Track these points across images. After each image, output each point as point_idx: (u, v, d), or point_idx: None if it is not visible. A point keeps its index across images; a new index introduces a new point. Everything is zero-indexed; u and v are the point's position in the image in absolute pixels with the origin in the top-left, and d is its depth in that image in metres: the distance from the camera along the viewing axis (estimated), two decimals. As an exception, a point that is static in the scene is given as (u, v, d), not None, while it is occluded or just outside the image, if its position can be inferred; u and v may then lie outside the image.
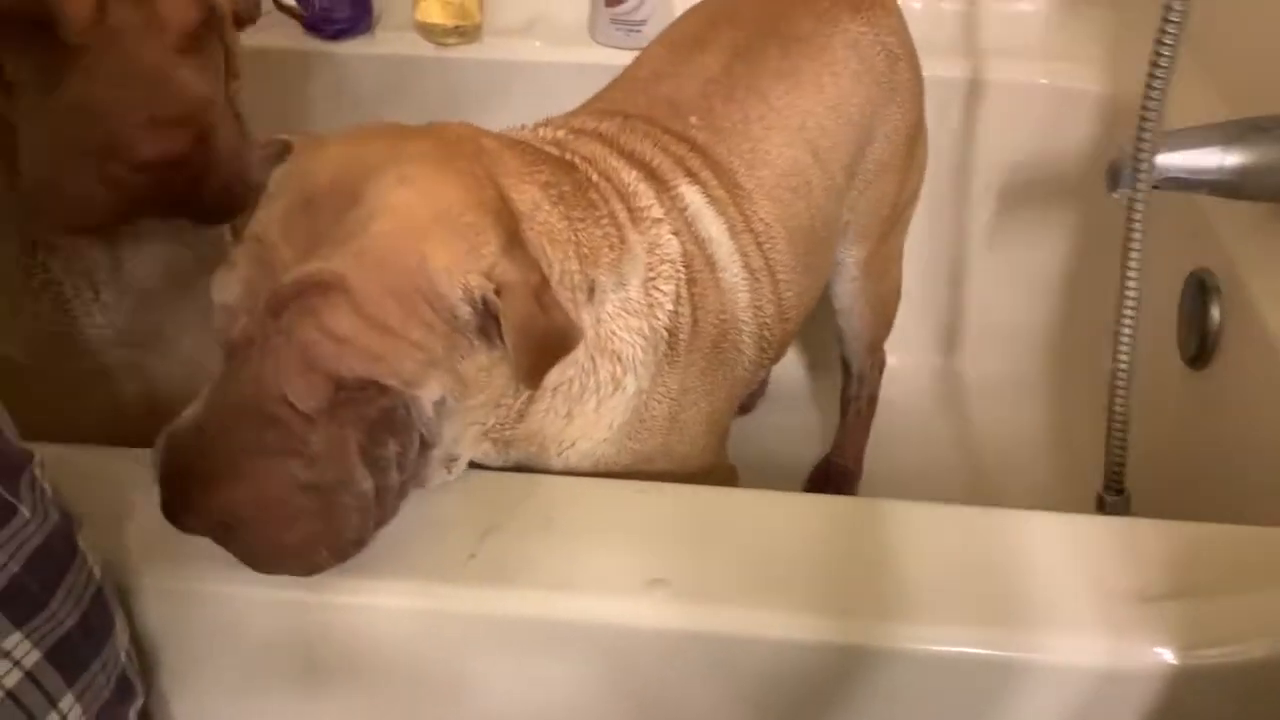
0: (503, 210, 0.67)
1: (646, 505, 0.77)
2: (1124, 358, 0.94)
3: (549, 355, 0.66)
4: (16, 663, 0.63)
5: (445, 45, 1.44)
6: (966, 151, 1.42)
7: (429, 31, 1.44)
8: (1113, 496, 1.00)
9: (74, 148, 0.77)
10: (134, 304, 0.95)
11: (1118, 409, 0.95)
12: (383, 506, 0.66)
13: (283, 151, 0.69)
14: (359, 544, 0.66)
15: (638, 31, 1.41)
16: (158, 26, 0.82)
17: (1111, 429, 0.97)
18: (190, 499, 0.62)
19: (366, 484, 0.64)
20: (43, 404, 0.91)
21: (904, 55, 1.05)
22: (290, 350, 0.60)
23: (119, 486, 0.79)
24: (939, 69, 1.34)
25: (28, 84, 0.78)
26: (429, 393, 0.64)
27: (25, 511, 0.62)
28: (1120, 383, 0.94)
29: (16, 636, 0.62)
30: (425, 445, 0.67)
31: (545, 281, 0.66)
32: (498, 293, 0.63)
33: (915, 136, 1.10)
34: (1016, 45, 1.40)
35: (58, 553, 0.64)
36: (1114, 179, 0.98)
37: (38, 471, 0.65)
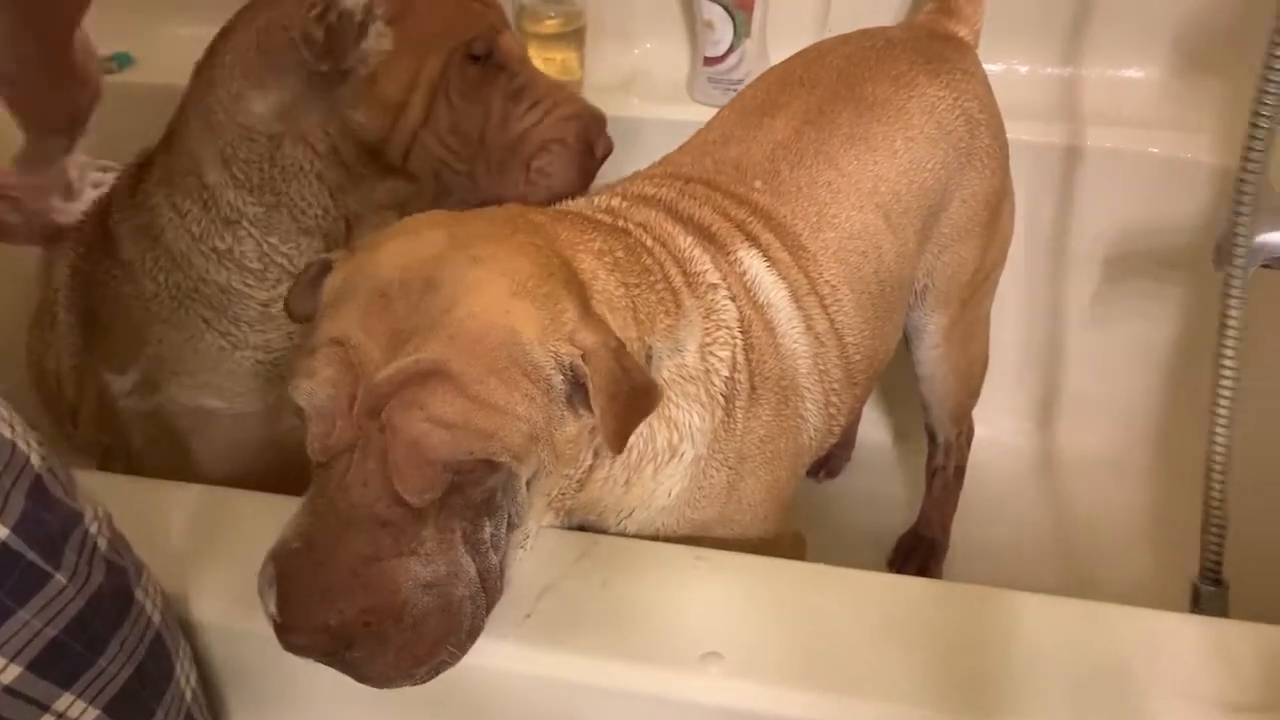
0: (571, 278, 0.68)
1: (705, 574, 0.76)
2: (1220, 443, 0.89)
3: (634, 415, 0.66)
4: None
5: (547, 101, 1.47)
6: (1071, 220, 1.38)
7: (531, 87, 1.47)
8: (1209, 587, 0.94)
9: (555, 145, 0.96)
10: None
11: (1214, 496, 0.91)
12: (488, 591, 0.66)
13: (323, 271, 0.69)
14: (475, 634, 0.65)
15: (734, 90, 1.41)
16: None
17: (1209, 517, 0.92)
18: (315, 618, 0.60)
19: (472, 570, 0.64)
20: (236, 442, 1.00)
21: (986, 121, 1.03)
22: (399, 446, 0.60)
23: (191, 523, 0.81)
24: (1043, 135, 1.32)
25: (478, 117, 0.95)
26: (527, 468, 0.64)
27: (61, 578, 0.62)
28: (1217, 469, 0.90)
29: (68, 697, 0.63)
30: (511, 526, 0.67)
31: (622, 344, 0.66)
32: (584, 358, 0.63)
33: (998, 203, 1.07)
34: (1125, 113, 1.36)
35: (106, 611, 0.65)
36: (1221, 256, 0.94)
37: (92, 529, 0.65)
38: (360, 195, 0.96)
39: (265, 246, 0.95)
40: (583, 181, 0.99)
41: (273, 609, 0.61)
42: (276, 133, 0.92)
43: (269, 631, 0.62)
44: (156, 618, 0.69)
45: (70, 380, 1.07)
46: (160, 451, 1.03)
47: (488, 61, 0.94)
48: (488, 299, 0.63)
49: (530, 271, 0.65)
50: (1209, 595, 0.94)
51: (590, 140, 0.98)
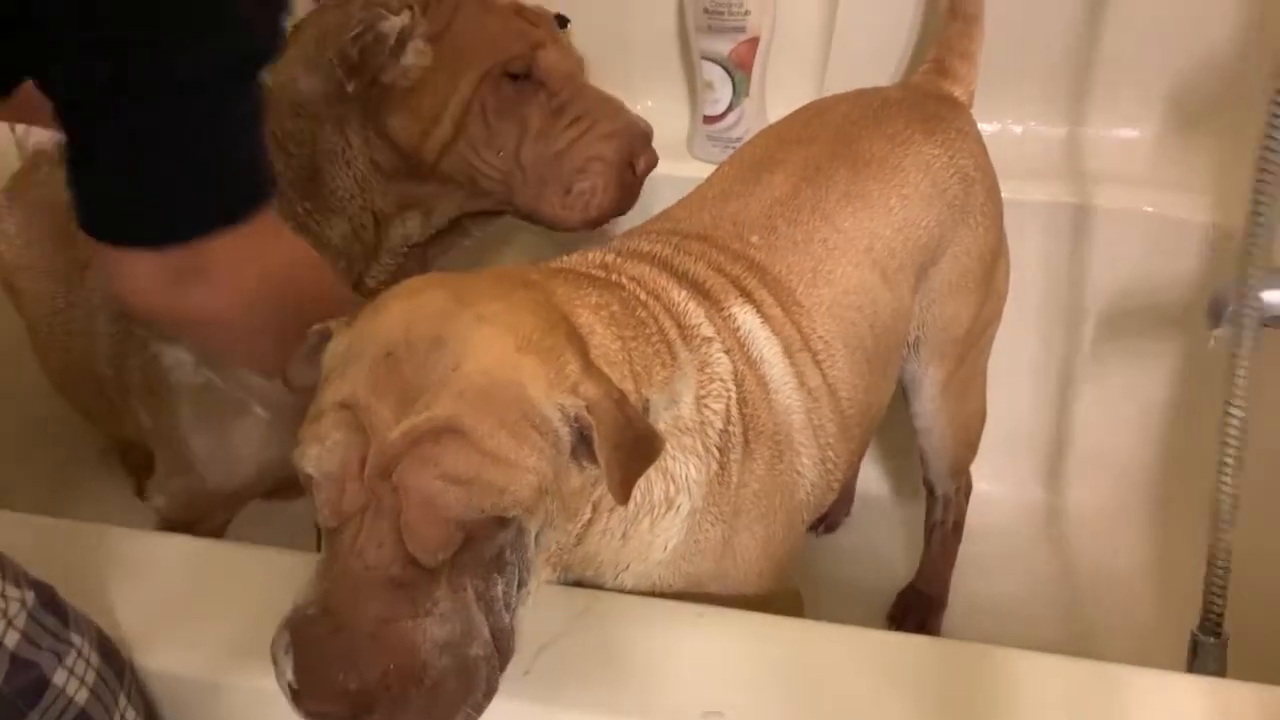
0: (572, 331, 0.68)
1: (705, 630, 0.76)
2: (1225, 494, 0.89)
3: (638, 465, 0.66)
4: None
5: (549, 157, 1.49)
6: (1067, 278, 1.39)
7: (534, 144, 1.49)
8: (1208, 639, 0.94)
9: (595, 164, 1.00)
10: None
11: (1220, 549, 0.90)
12: (501, 650, 0.65)
13: (322, 339, 0.69)
14: (490, 693, 0.64)
15: (733, 147, 1.42)
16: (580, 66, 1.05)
17: (1212, 570, 0.91)
18: (335, 684, 0.59)
19: (485, 630, 0.63)
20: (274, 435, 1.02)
21: (980, 178, 1.04)
22: (412, 505, 0.60)
23: (175, 575, 0.82)
24: (1039, 194, 1.33)
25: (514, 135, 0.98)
26: (537, 522, 0.64)
27: None
28: (1223, 521, 0.89)
29: None
30: (521, 583, 0.66)
31: (623, 395, 0.66)
32: (588, 409, 0.63)
33: (992, 260, 1.08)
34: (1120, 172, 1.37)
35: (6, 708, 0.64)
36: (1215, 315, 0.94)
37: None
38: (387, 192, 1.01)
39: (299, 208, 1.00)
40: (624, 198, 1.02)
41: (290, 677, 0.60)
42: (318, 115, 0.97)
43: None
44: (82, 696, 0.68)
45: (106, 353, 1.05)
46: (205, 431, 1.03)
47: (526, 80, 0.98)
48: (495, 355, 0.63)
49: (534, 326, 0.65)
50: (1207, 647, 0.93)
51: (632, 156, 1.00)
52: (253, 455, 1.03)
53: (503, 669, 0.65)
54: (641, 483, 0.74)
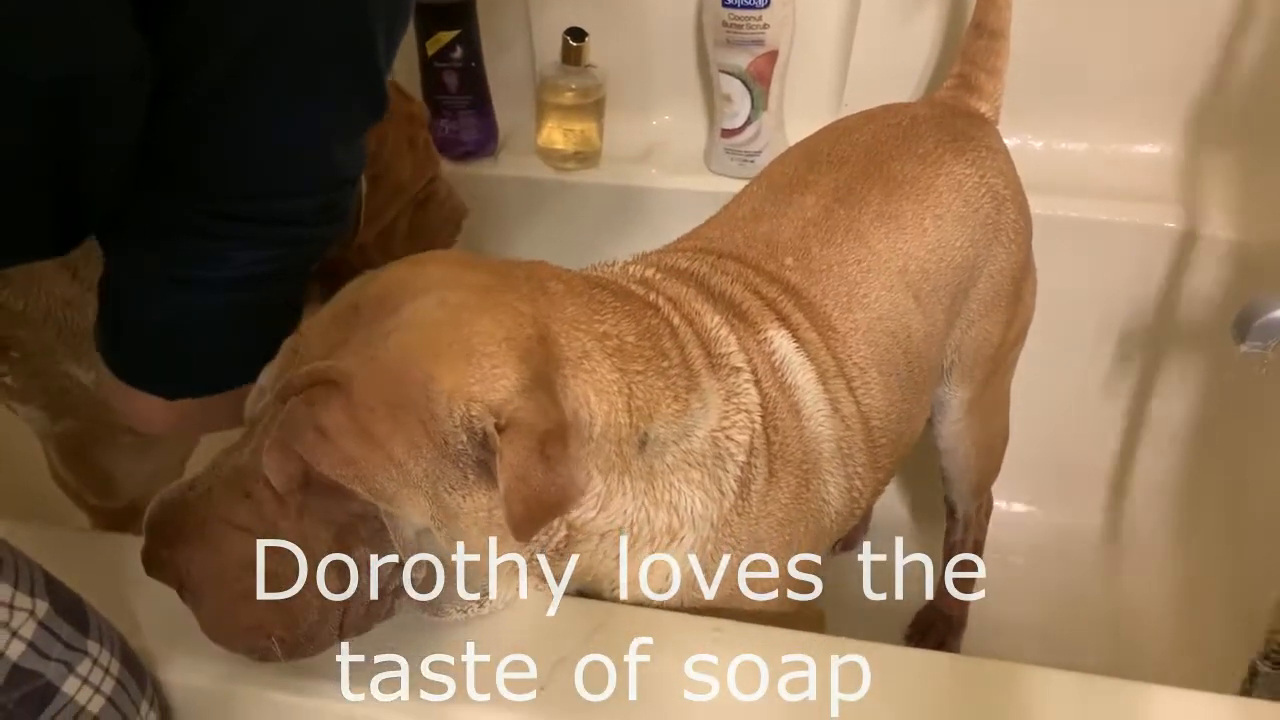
0: (535, 351, 0.66)
1: (724, 647, 0.74)
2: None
3: (541, 510, 0.64)
4: None
5: (565, 170, 1.49)
6: (1085, 295, 1.38)
7: (550, 156, 1.49)
8: (1269, 669, 0.92)
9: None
10: None
11: None
12: (347, 614, 0.67)
13: None
14: (315, 644, 0.67)
15: (751, 161, 1.43)
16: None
17: None
18: (155, 550, 0.65)
19: (325, 580, 0.65)
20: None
21: (1011, 196, 1.03)
22: (278, 429, 0.63)
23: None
24: (1058, 209, 1.32)
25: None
26: (407, 514, 0.63)
27: None
28: None
29: None
30: (401, 565, 0.67)
31: (560, 431, 0.64)
32: (500, 429, 0.62)
33: (1022, 278, 1.07)
34: (1139, 188, 1.36)
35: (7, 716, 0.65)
36: (1242, 331, 0.94)
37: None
38: None
39: None
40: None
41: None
42: None
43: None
44: (96, 703, 0.68)
45: None
46: (74, 467, 1.04)
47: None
48: (424, 338, 0.63)
49: (484, 329, 0.64)
50: (1267, 676, 0.92)
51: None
52: (129, 473, 1.04)
53: (343, 635, 0.68)
54: (637, 514, 0.73)
